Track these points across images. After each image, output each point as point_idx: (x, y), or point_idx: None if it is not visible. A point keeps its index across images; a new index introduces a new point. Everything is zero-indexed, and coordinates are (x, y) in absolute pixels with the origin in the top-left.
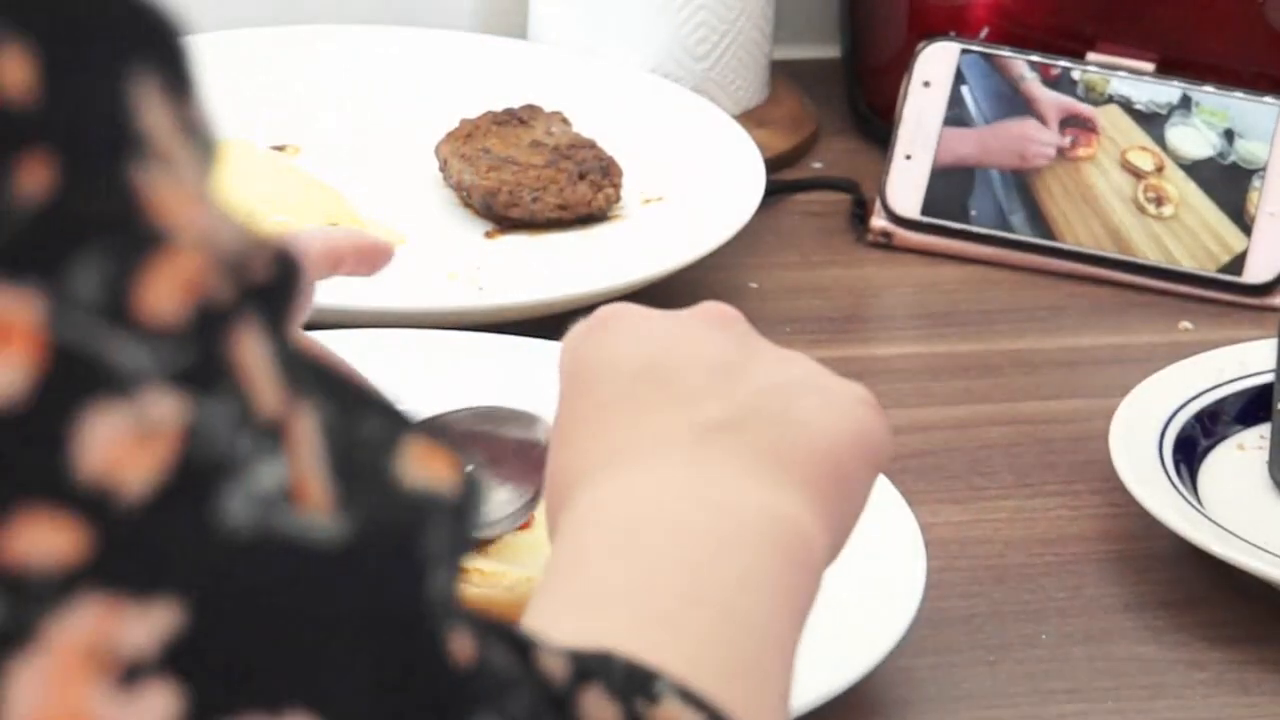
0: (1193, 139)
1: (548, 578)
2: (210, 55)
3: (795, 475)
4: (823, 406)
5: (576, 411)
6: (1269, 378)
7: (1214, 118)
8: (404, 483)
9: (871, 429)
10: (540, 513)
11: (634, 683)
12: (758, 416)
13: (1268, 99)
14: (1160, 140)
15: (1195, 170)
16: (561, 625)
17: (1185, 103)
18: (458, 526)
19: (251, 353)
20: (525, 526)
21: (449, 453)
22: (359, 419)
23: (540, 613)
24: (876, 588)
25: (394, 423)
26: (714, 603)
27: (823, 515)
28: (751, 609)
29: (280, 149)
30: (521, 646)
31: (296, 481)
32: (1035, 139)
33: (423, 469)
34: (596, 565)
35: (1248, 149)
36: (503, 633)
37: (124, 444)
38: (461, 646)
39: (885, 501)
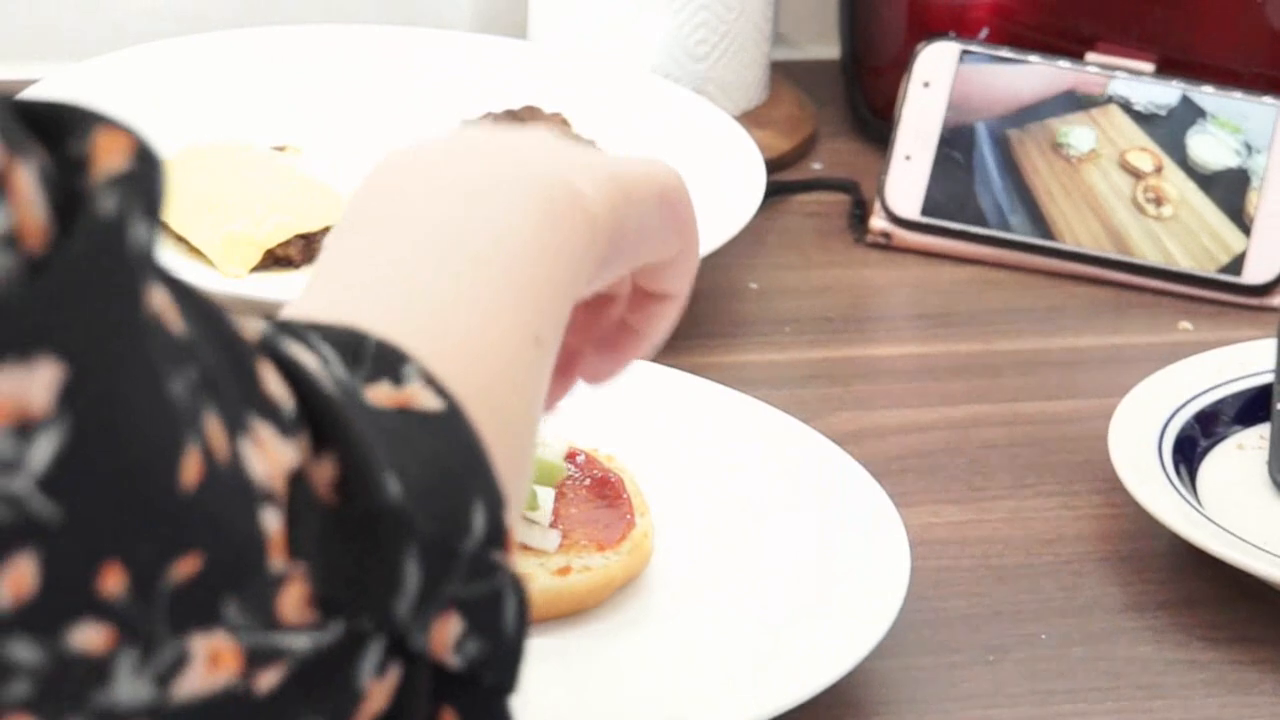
0: (1212, 147)
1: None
2: (212, 55)
3: (573, 158)
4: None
5: None
6: (1269, 378)
7: (1229, 129)
8: (96, 186)
9: (661, 170)
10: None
11: (383, 364)
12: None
13: (1268, 99)
14: (1180, 148)
15: (1195, 171)
16: (315, 296)
17: (1196, 110)
18: (143, 188)
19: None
20: (564, 572)
21: (124, 134)
22: (60, 151)
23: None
24: (862, 587)
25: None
26: (462, 247)
27: (602, 192)
28: (501, 257)
29: (280, 149)
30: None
31: (19, 225)
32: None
33: (107, 160)
34: (349, 230)
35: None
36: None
37: None
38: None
39: (872, 501)
